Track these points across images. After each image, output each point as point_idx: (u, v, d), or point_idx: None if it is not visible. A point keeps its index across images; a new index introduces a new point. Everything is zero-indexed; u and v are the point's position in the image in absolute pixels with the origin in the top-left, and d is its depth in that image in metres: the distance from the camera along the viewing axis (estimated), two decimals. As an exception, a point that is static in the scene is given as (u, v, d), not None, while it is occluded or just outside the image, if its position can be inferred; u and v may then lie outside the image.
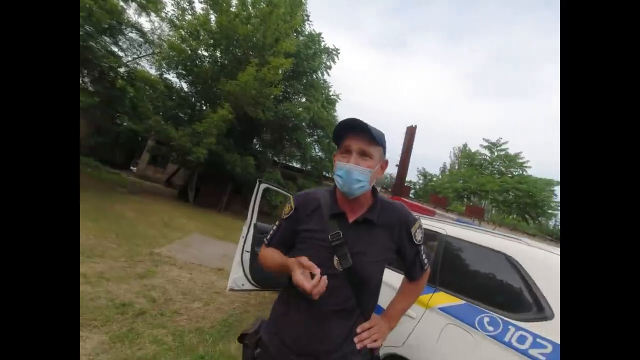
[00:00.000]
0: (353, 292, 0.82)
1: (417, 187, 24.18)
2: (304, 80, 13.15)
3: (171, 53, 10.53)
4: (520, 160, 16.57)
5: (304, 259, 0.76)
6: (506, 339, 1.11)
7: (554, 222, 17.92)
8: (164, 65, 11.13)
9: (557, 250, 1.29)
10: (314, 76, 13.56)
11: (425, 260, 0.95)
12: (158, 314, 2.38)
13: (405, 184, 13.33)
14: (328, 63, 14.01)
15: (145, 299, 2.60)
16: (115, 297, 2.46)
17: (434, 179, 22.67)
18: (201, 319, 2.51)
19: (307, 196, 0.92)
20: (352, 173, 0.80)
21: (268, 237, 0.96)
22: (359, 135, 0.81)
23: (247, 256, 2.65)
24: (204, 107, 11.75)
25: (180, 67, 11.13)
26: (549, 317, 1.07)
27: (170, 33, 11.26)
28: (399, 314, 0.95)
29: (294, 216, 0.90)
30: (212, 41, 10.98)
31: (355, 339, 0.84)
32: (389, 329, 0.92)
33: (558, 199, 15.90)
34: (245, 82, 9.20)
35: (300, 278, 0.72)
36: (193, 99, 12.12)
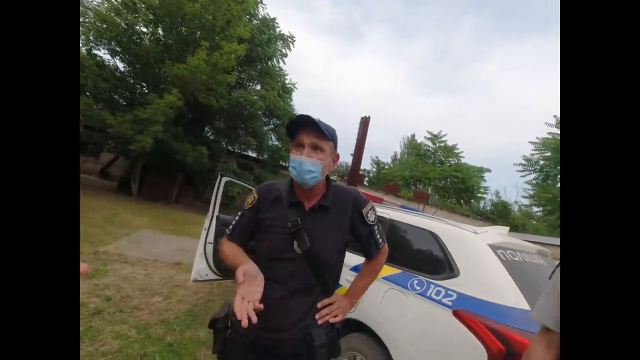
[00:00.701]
0: (312, 272, 0.90)
1: (371, 175, 25.68)
2: (259, 67, 12.75)
3: (102, 25, 9.18)
4: (457, 151, 18.78)
5: (248, 274, 0.80)
6: (428, 294, 1.47)
7: (483, 204, 20.95)
8: (92, 39, 9.64)
9: (466, 226, 1.70)
10: (269, 63, 13.23)
11: (380, 240, 1.01)
12: (116, 311, 2.34)
13: (360, 172, 14.14)
14: (284, 50, 13.78)
15: (99, 298, 2.50)
16: (63, 299, 2.32)
17: (386, 167, 24.35)
18: (164, 312, 2.53)
19: (269, 187, 0.98)
20: (304, 165, 0.87)
21: (230, 228, 0.99)
22: (311, 130, 0.88)
23: (210, 247, 2.71)
24: (146, 91, 10.64)
25: (113, 42, 9.79)
26: (456, 275, 1.46)
27: (99, 1, 9.78)
28: (360, 292, 1.04)
29: (256, 206, 0.96)
30: (152, 17, 9.89)
31: (317, 315, 0.91)
32: (350, 305, 0.99)
33: (486, 184, 18.54)
34: (195, 67, 8.60)
35: (237, 305, 0.73)
36: (132, 81, 10.85)
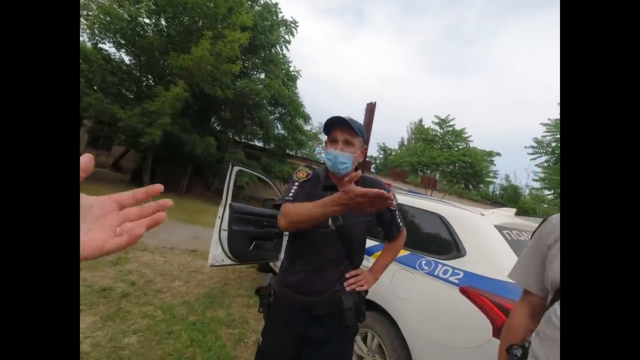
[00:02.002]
0: (343, 246, 1.04)
1: (378, 161, 25.53)
2: (263, 55, 12.60)
3: (106, 18, 9.18)
4: (465, 135, 18.40)
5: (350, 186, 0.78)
6: (436, 273, 1.54)
7: (492, 188, 20.70)
8: (97, 32, 9.67)
9: (472, 209, 1.75)
10: (273, 51, 13.04)
11: (400, 223, 1.17)
12: (142, 294, 2.51)
13: (367, 159, 14.08)
14: (287, 37, 13.53)
15: (124, 283, 2.68)
16: (92, 284, 2.50)
17: (393, 153, 24.12)
18: (185, 294, 2.70)
19: (314, 170, 1.14)
20: (338, 157, 1.03)
21: (290, 196, 1.03)
22: (344, 128, 1.03)
23: (224, 234, 2.84)
24: (152, 83, 10.69)
25: (118, 35, 9.81)
26: (463, 254, 1.52)
27: (102, -6, 9.72)
28: (383, 268, 1.18)
29: (309, 180, 1.08)
30: (154, 7, 9.80)
31: (345, 283, 1.05)
32: (374, 279, 1.13)
33: (495, 168, 18.25)
34: (199, 57, 8.58)
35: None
36: (138, 74, 10.91)
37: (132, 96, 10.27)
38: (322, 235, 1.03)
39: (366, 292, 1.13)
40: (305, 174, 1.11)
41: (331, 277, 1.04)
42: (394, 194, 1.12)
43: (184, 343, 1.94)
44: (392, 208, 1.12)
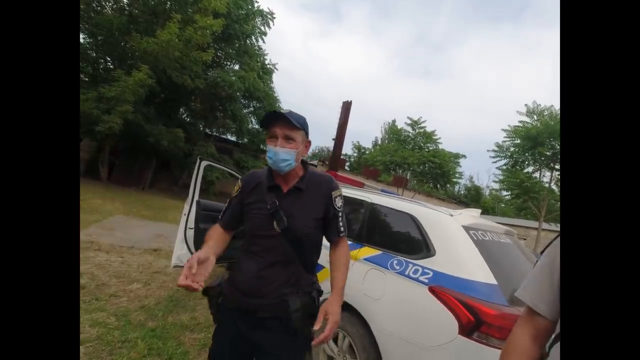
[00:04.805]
0: (291, 248, 0.99)
1: (352, 159, 25.95)
2: (237, 45, 12.11)
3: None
4: (435, 137, 19.32)
5: (194, 259, 0.85)
6: (406, 272, 1.56)
7: (457, 188, 22.06)
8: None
9: (442, 209, 1.80)
10: (248, 42, 12.58)
11: (342, 228, 1.08)
12: (92, 299, 2.26)
13: (341, 157, 14.22)
14: (263, 28, 13.12)
15: (71, 287, 2.40)
16: (32, 289, 2.21)
17: (367, 152, 24.64)
18: (144, 298, 2.49)
19: (251, 175, 1.10)
20: (279, 154, 0.97)
21: (220, 214, 1.11)
22: (283, 122, 0.97)
23: (190, 233, 2.66)
24: (111, 67, 9.79)
25: (72, 11, 8.79)
26: (433, 254, 1.55)
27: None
28: (340, 285, 1.02)
29: (241, 193, 1.07)
30: (114, -18, 8.95)
31: (314, 342, 0.93)
32: (338, 305, 0.98)
33: (461, 169, 19.42)
34: (166, 42, 8.00)
35: (181, 279, 0.81)
36: (94, 54, 9.91)
37: (86, 79, 9.32)
38: (267, 238, 0.99)
39: (319, 293, 1.05)
40: (237, 187, 1.09)
41: (278, 278, 0.98)
42: (341, 194, 1.09)
43: (141, 352, 1.78)
44: (336, 207, 1.06)
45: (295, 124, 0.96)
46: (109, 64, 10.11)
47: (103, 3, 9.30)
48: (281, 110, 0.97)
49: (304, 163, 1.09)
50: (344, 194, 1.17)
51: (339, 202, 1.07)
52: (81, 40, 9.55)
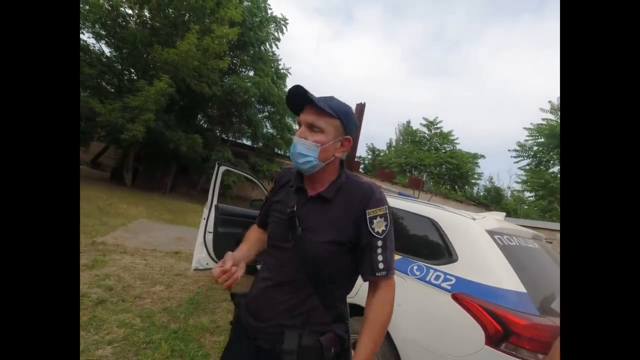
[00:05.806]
0: (303, 267, 0.77)
1: (366, 162, 25.72)
2: (252, 52, 12.39)
3: (84, 6, 8.71)
4: (452, 137, 18.81)
5: (229, 257, 0.77)
6: (427, 278, 1.51)
7: (477, 189, 21.35)
8: (76, 22, 9.14)
9: (464, 212, 1.74)
10: (262, 48, 12.85)
11: (382, 265, 0.74)
12: (119, 301, 2.36)
13: (355, 160, 14.15)
14: (276, 34, 13.37)
15: (100, 288, 2.51)
16: (64, 290, 2.33)
17: (381, 154, 24.36)
18: (166, 300, 2.57)
19: (285, 171, 0.93)
20: (296, 147, 0.76)
21: (257, 217, 1.01)
22: (309, 106, 0.76)
23: (209, 237, 2.73)
24: (135, 77, 10.28)
25: (97, 25, 9.35)
26: (455, 260, 1.50)
27: (81, -18, 9.23)
28: (367, 351, 0.71)
29: (273, 190, 0.93)
30: (137, -3, 9.42)
31: None
32: None
33: (479, 170, 18.80)
34: (186, 52, 8.32)
35: (216, 267, 0.75)
36: (119, 67, 10.46)
37: (112, 90, 9.84)
38: (282, 250, 0.81)
39: (337, 341, 0.77)
40: (274, 183, 0.93)
41: (282, 303, 0.77)
42: (385, 214, 0.76)
43: (164, 354, 1.83)
44: (373, 231, 0.74)
45: (324, 109, 0.72)
46: (133, 75, 10.61)
47: (127, 18, 9.83)
48: (305, 89, 0.73)
49: (341, 166, 0.84)
50: None
51: (379, 226, 0.74)
52: (107, 54, 10.13)
